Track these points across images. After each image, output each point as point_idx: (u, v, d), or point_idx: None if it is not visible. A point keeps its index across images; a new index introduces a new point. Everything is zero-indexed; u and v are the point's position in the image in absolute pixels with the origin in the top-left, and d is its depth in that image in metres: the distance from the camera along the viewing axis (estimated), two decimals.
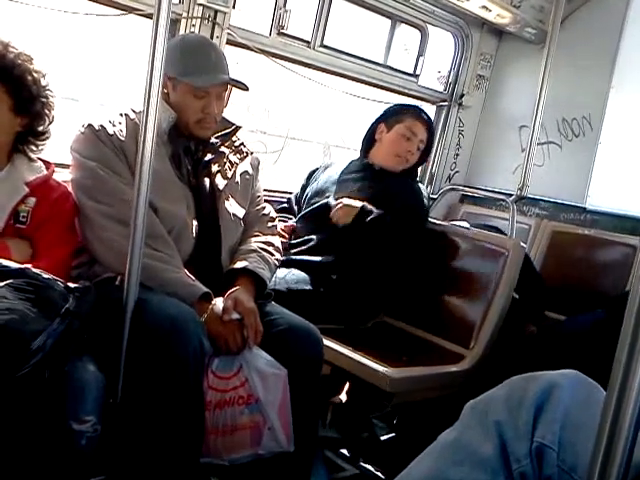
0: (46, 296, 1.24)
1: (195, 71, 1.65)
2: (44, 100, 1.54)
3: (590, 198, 2.97)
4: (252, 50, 2.48)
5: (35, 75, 1.51)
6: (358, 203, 2.21)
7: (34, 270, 1.29)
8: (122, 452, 1.40)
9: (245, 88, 1.73)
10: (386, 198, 2.27)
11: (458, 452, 0.96)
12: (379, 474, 2.00)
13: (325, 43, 2.77)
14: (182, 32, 2.27)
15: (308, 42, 2.72)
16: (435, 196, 3.16)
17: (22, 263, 1.32)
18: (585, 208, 2.98)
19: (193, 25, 2.29)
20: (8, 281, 1.22)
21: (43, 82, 1.53)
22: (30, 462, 1.22)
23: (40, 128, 1.56)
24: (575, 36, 2.96)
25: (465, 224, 2.53)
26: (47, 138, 1.60)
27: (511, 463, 0.91)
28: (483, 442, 0.94)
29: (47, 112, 1.56)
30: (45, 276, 1.28)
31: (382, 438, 2.25)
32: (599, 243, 2.72)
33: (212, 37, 2.30)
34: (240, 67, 2.03)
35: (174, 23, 2.27)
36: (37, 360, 1.15)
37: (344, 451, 2.10)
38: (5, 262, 1.28)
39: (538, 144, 2.95)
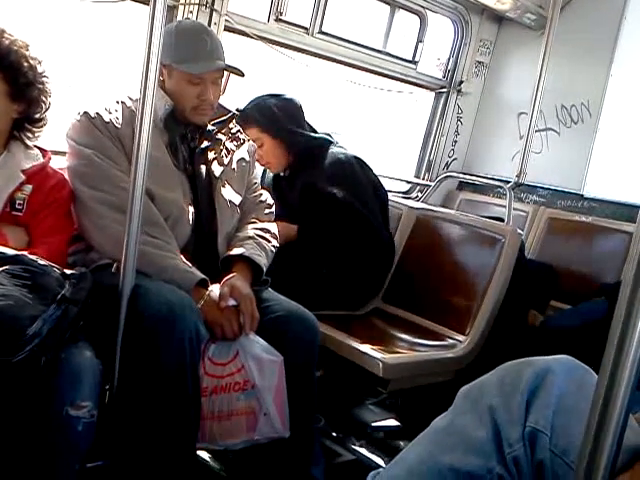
0: (42, 282, 1.25)
1: (190, 58, 1.64)
2: (40, 86, 1.53)
3: (588, 185, 2.98)
4: (250, 37, 2.47)
5: (31, 62, 1.50)
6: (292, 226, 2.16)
7: (30, 257, 1.29)
8: (119, 438, 1.41)
9: (241, 74, 1.72)
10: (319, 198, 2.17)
11: (451, 437, 0.97)
12: (375, 459, 2.02)
13: (324, 30, 2.75)
14: (180, 19, 2.26)
15: (306, 29, 2.70)
16: (432, 183, 3.16)
17: (18, 250, 1.33)
18: (582, 195, 2.99)
19: (190, 12, 2.28)
20: (4, 267, 1.23)
21: (39, 69, 1.53)
22: (27, 448, 1.23)
23: (36, 115, 1.56)
24: (575, 23, 2.95)
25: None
26: (44, 125, 1.59)
27: (504, 447, 0.92)
28: (476, 427, 0.95)
29: (44, 99, 1.55)
30: (41, 262, 1.28)
31: (378, 424, 2.27)
32: (596, 230, 2.73)
33: (210, 24, 2.29)
34: (237, 54, 2.01)
35: (171, 9, 2.26)
36: (33, 346, 1.15)
37: (340, 437, 2.11)
38: (1, 249, 1.28)
39: (536, 131, 2.95)
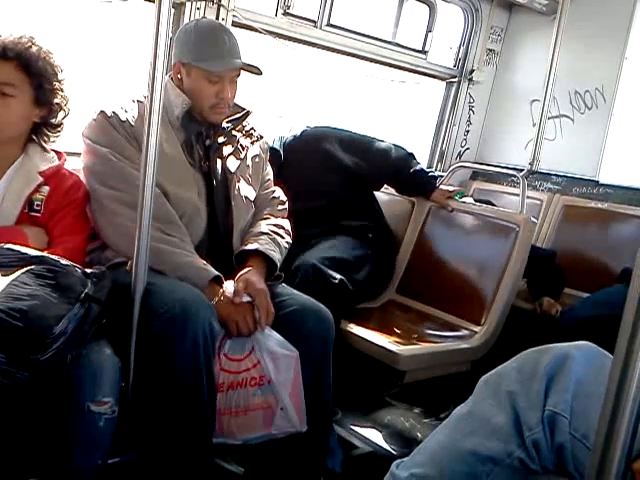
0: (65, 282, 1.26)
1: (209, 56, 1.65)
2: (62, 93, 1.57)
3: (603, 171, 2.93)
4: (258, 31, 2.46)
5: (55, 69, 1.55)
6: None
7: (52, 257, 1.31)
8: (137, 434, 1.43)
9: (259, 72, 1.72)
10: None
11: (472, 423, 0.98)
12: (392, 451, 2.02)
13: (332, 22, 2.74)
14: (187, 15, 2.27)
15: (314, 22, 2.69)
16: (444, 173, 3.14)
17: (39, 250, 1.35)
18: (598, 181, 2.94)
19: (198, 8, 2.28)
20: (28, 268, 1.24)
21: (61, 76, 1.57)
22: (50, 443, 1.25)
23: (56, 120, 1.59)
24: (587, 6, 2.89)
25: (470, 200, 2.53)
26: (61, 130, 1.62)
27: (524, 431, 0.93)
28: (496, 412, 0.96)
29: (64, 105, 1.59)
30: (64, 262, 1.30)
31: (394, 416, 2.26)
32: (612, 216, 2.69)
33: (217, 19, 2.29)
34: (245, 49, 2.01)
35: (179, 6, 2.27)
36: (60, 344, 1.17)
37: (357, 429, 2.11)
38: (24, 249, 1.30)
39: (550, 118, 2.92)
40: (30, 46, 1.50)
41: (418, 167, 2.46)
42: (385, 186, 2.57)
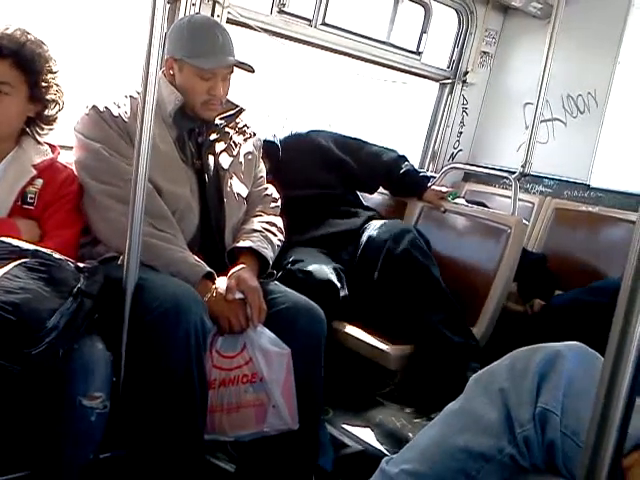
0: (58, 276, 1.26)
1: (202, 53, 1.65)
2: (57, 87, 1.57)
3: (594, 175, 2.95)
4: (253, 29, 2.46)
5: (50, 63, 1.54)
6: None
7: (45, 250, 1.30)
8: (128, 429, 1.42)
9: (251, 70, 1.72)
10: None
11: (463, 419, 0.99)
12: (383, 450, 2.02)
13: (327, 21, 2.74)
14: (182, 11, 2.26)
15: (309, 20, 2.69)
16: (437, 175, 3.15)
17: (31, 243, 1.33)
18: (589, 185, 2.96)
19: (193, 4, 2.27)
20: (21, 261, 1.24)
21: (55, 69, 1.55)
22: (42, 438, 1.25)
23: (51, 114, 1.59)
24: (581, 10, 2.91)
25: (462, 201, 2.54)
26: (55, 123, 1.62)
27: (515, 428, 0.94)
28: (487, 409, 0.97)
29: (59, 99, 1.58)
30: (57, 256, 1.30)
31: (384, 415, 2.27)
32: (603, 220, 2.71)
33: (212, 16, 2.29)
34: (240, 46, 2.01)
35: (174, 2, 2.26)
36: (51, 339, 1.17)
37: (348, 428, 2.12)
38: (16, 242, 1.29)
39: (542, 121, 2.94)
40: (25, 41, 1.48)
41: (410, 167, 2.47)
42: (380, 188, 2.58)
